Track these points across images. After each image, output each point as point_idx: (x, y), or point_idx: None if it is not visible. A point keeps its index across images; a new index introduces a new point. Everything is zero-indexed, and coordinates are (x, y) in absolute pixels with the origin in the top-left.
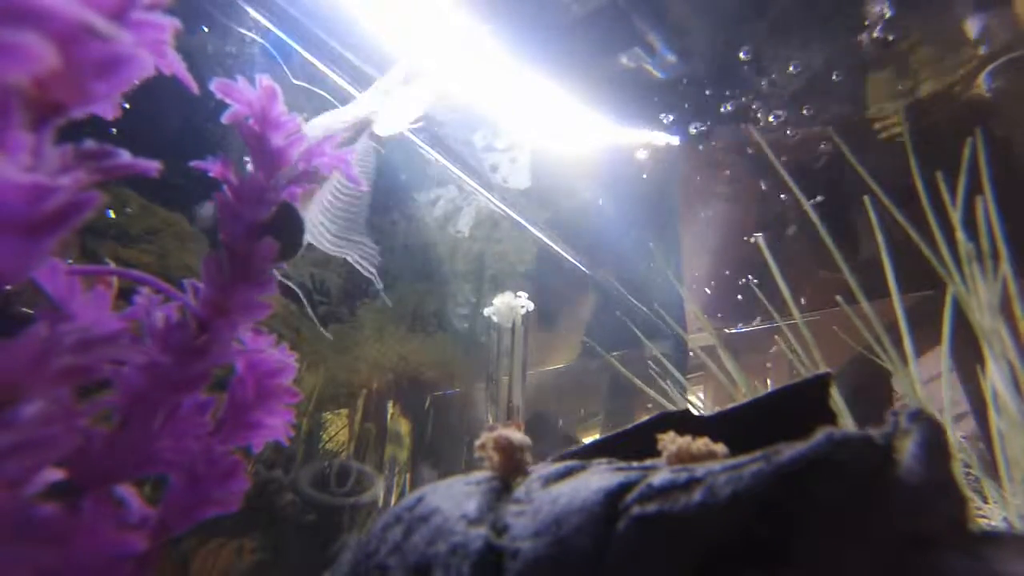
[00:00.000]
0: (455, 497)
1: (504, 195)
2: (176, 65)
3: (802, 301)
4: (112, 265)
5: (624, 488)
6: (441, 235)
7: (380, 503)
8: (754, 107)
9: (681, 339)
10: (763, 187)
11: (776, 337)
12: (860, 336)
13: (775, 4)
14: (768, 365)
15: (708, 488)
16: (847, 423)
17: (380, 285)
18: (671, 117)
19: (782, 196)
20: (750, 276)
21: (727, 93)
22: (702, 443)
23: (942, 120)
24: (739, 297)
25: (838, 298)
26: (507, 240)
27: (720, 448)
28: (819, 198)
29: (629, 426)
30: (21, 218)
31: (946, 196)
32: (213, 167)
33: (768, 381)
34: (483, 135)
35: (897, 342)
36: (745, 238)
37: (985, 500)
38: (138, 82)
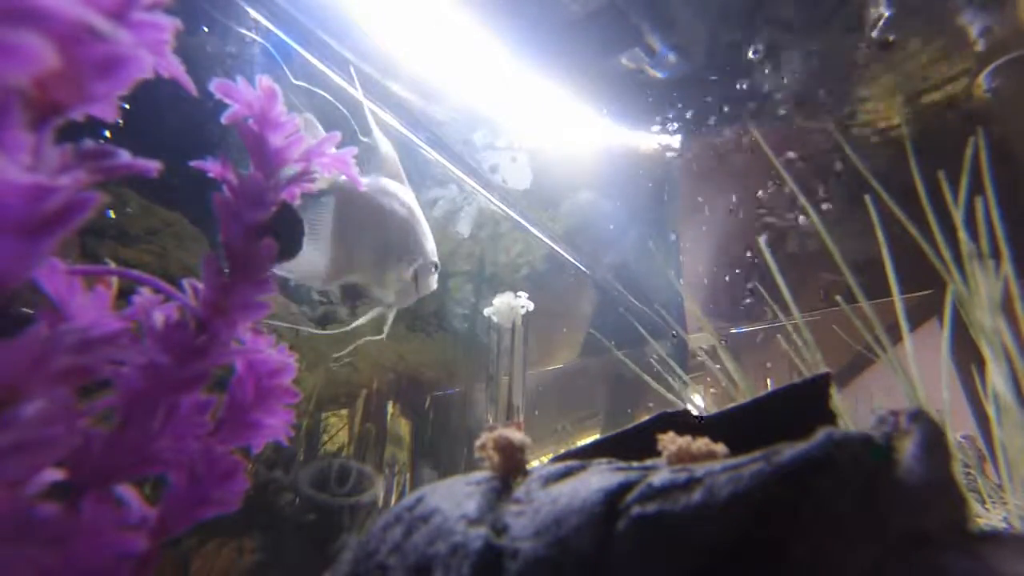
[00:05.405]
0: (455, 497)
1: (504, 195)
2: (175, 66)
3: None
4: (112, 265)
5: (624, 488)
6: (441, 235)
7: (380, 503)
8: (754, 106)
9: (681, 339)
10: (763, 186)
11: (777, 336)
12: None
13: (774, 4)
14: (768, 365)
15: (708, 488)
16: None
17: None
18: (671, 117)
19: (783, 194)
20: (751, 276)
21: (727, 92)
22: (702, 443)
23: (941, 120)
24: (743, 297)
25: (838, 298)
26: (507, 240)
27: (720, 448)
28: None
29: (629, 426)
30: (21, 218)
31: (944, 195)
32: (212, 167)
33: (768, 381)
34: (483, 135)
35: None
36: (745, 238)
37: (984, 501)
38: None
